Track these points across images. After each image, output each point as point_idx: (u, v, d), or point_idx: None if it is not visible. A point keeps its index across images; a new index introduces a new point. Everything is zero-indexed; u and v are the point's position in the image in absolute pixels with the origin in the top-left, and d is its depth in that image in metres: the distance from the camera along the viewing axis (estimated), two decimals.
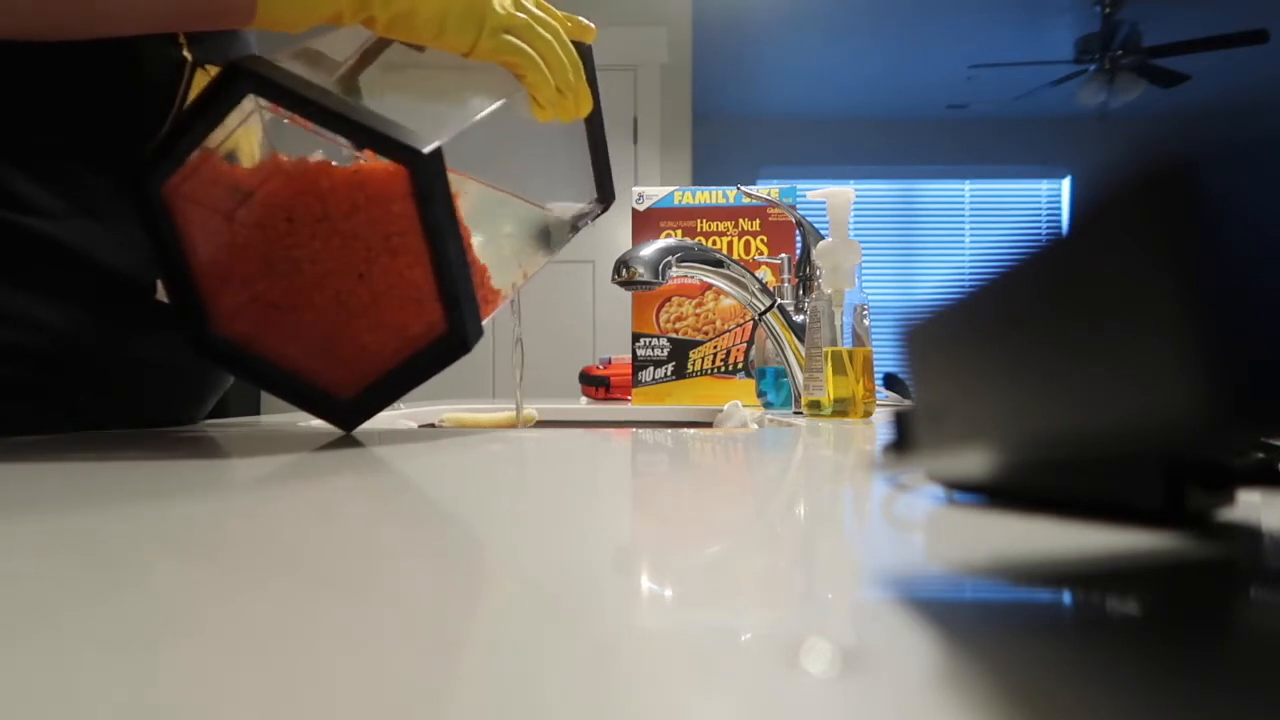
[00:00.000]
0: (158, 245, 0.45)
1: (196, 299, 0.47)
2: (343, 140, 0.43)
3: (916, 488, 0.26)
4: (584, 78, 0.54)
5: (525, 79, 0.50)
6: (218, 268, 0.47)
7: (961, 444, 0.15)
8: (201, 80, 0.57)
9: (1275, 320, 0.08)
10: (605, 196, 0.66)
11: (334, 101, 0.41)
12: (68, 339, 0.53)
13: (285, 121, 0.45)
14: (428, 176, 0.41)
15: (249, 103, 0.43)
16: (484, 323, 0.48)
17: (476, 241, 0.50)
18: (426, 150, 0.40)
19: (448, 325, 0.44)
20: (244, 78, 0.42)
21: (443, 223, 0.42)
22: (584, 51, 0.56)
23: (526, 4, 0.51)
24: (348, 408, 0.48)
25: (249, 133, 0.47)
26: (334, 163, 0.45)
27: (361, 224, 0.44)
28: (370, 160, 0.44)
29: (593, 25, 0.57)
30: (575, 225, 0.65)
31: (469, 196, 0.50)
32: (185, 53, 0.56)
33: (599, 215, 0.66)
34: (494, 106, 0.50)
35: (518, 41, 0.49)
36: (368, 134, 0.41)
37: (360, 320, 0.46)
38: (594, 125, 0.63)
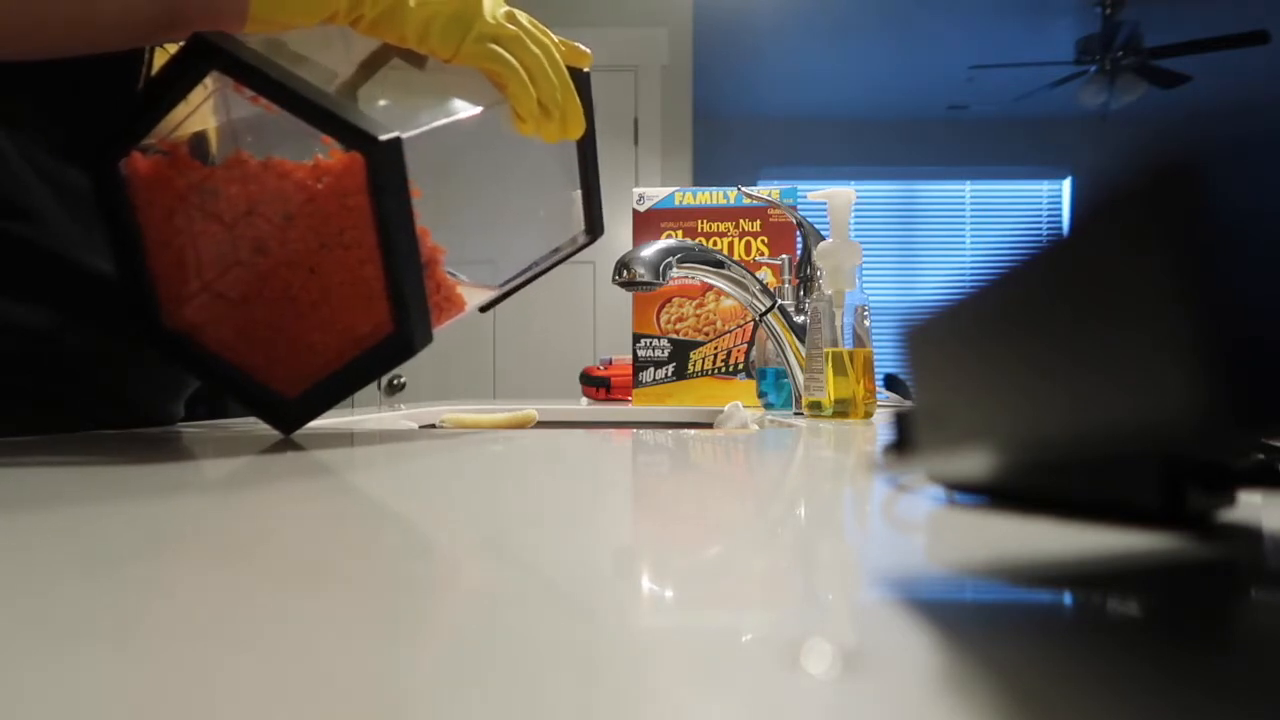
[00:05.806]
0: (114, 225, 0.44)
1: (149, 285, 0.45)
2: (305, 126, 0.42)
3: (917, 489, 0.26)
4: (575, 99, 0.53)
5: (506, 89, 0.50)
6: (171, 254, 0.46)
7: (962, 445, 0.15)
8: (162, 60, 0.55)
9: (1277, 321, 0.08)
10: (594, 229, 0.65)
11: (298, 84, 0.40)
12: (49, 341, 0.53)
13: (245, 112, 0.44)
14: (383, 165, 0.40)
15: (211, 81, 0.42)
16: (436, 329, 0.46)
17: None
18: (383, 138, 0.39)
19: (394, 324, 0.43)
20: (208, 54, 0.41)
21: (395, 215, 0.41)
22: (581, 78, 0.54)
23: (521, 20, 0.50)
24: (289, 408, 0.46)
25: (206, 122, 0.46)
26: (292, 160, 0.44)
27: (317, 217, 0.43)
28: (332, 152, 0.44)
29: (589, 51, 0.56)
30: (562, 254, 0.64)
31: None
32: None
33: (587, 246, 0.65)
34: (471, 113, 0.49)
35: (502, 51, 0.49)
36: (327, 118, 0.40)
37: (308, 317, 0.45)
38: (586, 155, 0.62)
